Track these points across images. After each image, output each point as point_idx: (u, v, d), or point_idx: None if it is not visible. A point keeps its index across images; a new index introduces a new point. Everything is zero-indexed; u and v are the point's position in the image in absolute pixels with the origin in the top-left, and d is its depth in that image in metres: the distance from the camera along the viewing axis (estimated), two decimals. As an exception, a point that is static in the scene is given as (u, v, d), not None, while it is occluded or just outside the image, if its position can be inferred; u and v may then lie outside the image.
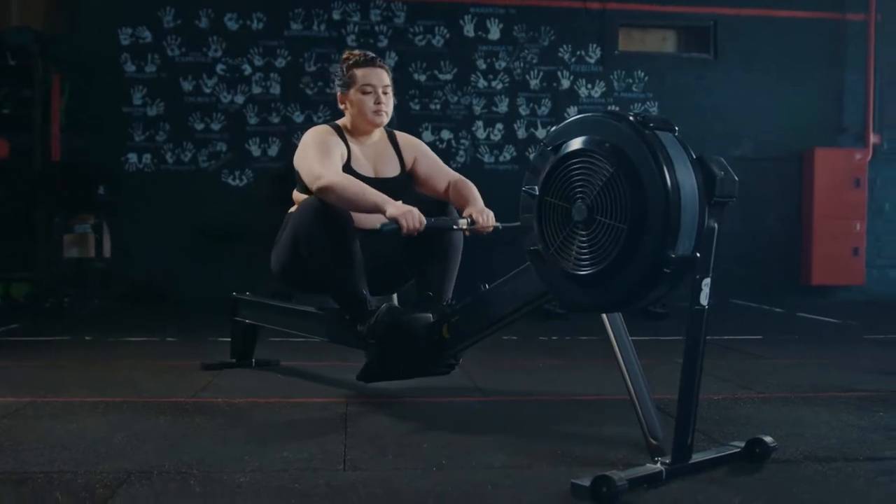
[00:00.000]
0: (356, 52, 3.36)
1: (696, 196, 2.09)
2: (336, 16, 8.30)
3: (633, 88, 8.76)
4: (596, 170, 2.15)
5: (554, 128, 2.31)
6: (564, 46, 8.65)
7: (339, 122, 3.37)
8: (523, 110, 8.59)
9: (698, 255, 2.09)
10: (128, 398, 3.19)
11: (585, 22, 8.67)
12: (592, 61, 8.72)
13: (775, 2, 8.89)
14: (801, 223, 9.00)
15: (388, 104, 3.29)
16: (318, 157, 3.09)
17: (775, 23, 8.91)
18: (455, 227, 3.05)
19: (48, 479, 2.14)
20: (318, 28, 8.28)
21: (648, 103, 8.77)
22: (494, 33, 8.54)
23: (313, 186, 3.04)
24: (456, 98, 8.49)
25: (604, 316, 2.35)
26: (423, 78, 8.44)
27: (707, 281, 2.15)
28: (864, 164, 8.85)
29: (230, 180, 8.09)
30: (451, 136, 8.48)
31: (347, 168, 3.20)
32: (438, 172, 3.40)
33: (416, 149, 3.44)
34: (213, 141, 8.14)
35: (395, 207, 2.90)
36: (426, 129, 8.42)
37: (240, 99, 8.18)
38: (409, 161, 3.40)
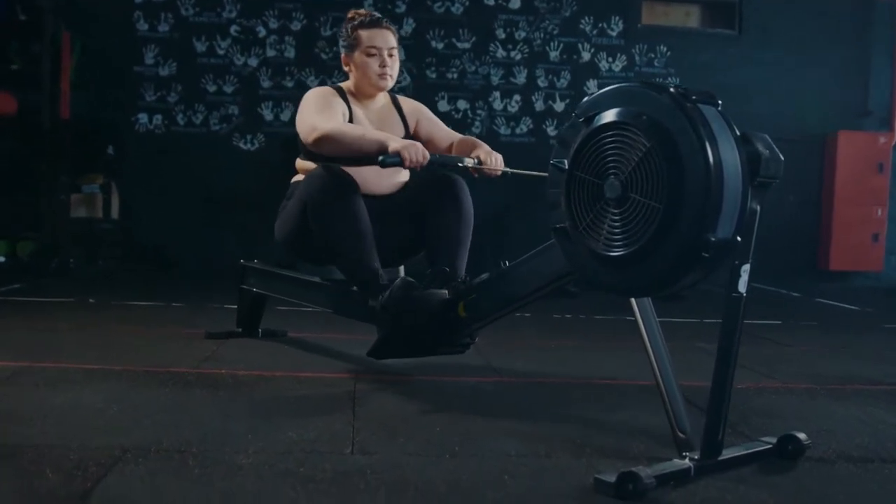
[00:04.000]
0: (362, 11, 3.25)
1: (738, 175, 1.94)
2: (354, -21, 8.11)
3: (655, 63, 8.57)
4: (631, 144, 2.00)
5: (586, 98, 2.16)
6: (586, 18, 8.46)
7: (343, 84, 3.27)
8: (542, 82, 8.42)
9: (739, 238, 1.95)
10: (128, 366, 3.07)
11: (609, -7, 8.47)
12: (614, 34, 8.53)
13: (803, -22, 8.67)
14: (821, 207, 8.84)
15: (394, 67, 3.18)
16: (317, 112, 3.01)
17: (801, 0, 8.69)
18: (461, 164, 2.94)
19: (38, 454, 2.02)
20: (335, -9, 8.09)
21: (670, 79, 8.56)
22: (515, 2, 8.37)
23: (310, 138, 2.96)
24: (473, 68, 8.32)
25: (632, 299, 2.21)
26: (440, 46, 8.27)
27: (746, 267, 2.01)
28: (889, 148, 8.66)
29: (242, 144, 7.96)
30: (468, 106, 8.31)
31: None
32: (441, 133, 3.32)
33: (420, 112, 3.36)
34: (225, 104, 8.00)
35: (398, 142, 2.80)
36: (442, 98, 8.25)
37: (253, 62, 8.02)
38: (412, 123, 3.31)
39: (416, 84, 8.17)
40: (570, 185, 2.13)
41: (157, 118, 7.93)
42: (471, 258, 3.15)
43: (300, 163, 3.25)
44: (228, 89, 8.00)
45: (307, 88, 7.99)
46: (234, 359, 3.32)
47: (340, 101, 3.13)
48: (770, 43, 8.66)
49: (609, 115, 2.07)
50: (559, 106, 8.42)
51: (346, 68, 3.22)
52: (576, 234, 2.14)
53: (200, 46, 7.96)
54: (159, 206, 7.72)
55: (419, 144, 2.81)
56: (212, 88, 7.98)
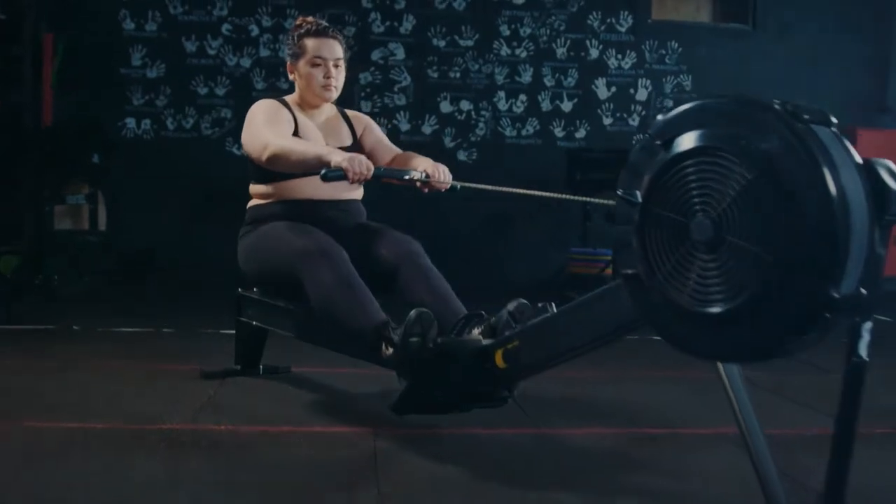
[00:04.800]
0: (310, 19, 3.16)
1: (864, 214, 1.56)
2: (351, -26, 7.71)
3: (666, 60, 8.19)
4: (726, 174, 1.62)
5: (662, 115, 1.77)
6: (594, 13, 8.06)
7: (288, 97, 3.19)
8: (548, 81, 8.02)
9: (864, 292, 1.57)
10: (112, 423, 2.67)
11: (617, -13, 8.07)
12: (623, 30, 8.13)
13: (819, -30, 8.30)
14: (839, 208, 8.45)
15: (339, 78, 3.12)
16: (266, 125, 2.95)
17: (818, -7, 8.32)
18: (407, 177, 2.83)
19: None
20: (332, -13, 7.69)
21: (682, 76, 8.19)
22: (520, -3, 7.96)
23: (263, 157, 2.87)
24: (477, 66, 7.92)
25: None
26: (442, 44, 7.87)
27: (869, 325, 1.63)
28: (911, 147, 8.30)
29: (235, 149, 7.56)
30: (471, 106, 7.91)
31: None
32: (384, 146, 3.23)
33: (365, 123, 3.31)
34: (217, 107, 7.58)
35: (340, 154, 2.70)
36: (444, 98, 7.86)
37: (246, 62, 7.61)
38: (359, 132, 3.26)
39: (417, 84, 7.78)
40: (644, 223, 1.74)
41: (146, 123, 7.52)
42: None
43: (253, 187, 3.18)
44: (220, 91, 7.60)
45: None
46: (234, 407, 2.93)
47: (286, 112, 3.07)
48: (785, 37, 8.29)
49: (695, 138, 1.69)
50: (567, 106, 8.04)
51: (290, 76, 3.17)
52: (653, 283, 1.76)
53: (190, 46, 7.56)
54: (149, 217, 7.31)
55: (362, 156, 2.74)
56: (203, 91, 7.58)
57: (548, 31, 8.00)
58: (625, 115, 8.11)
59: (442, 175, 2.84)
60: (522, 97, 7.98)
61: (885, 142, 8.28)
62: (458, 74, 7.89)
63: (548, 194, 2.79)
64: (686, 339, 1.74)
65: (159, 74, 7.50)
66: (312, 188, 2.96)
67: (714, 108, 1.71)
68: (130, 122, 7.48)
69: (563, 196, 2.92)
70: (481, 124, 7.91)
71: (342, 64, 3.10)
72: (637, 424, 2.90)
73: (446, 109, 7.81)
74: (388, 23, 7.75)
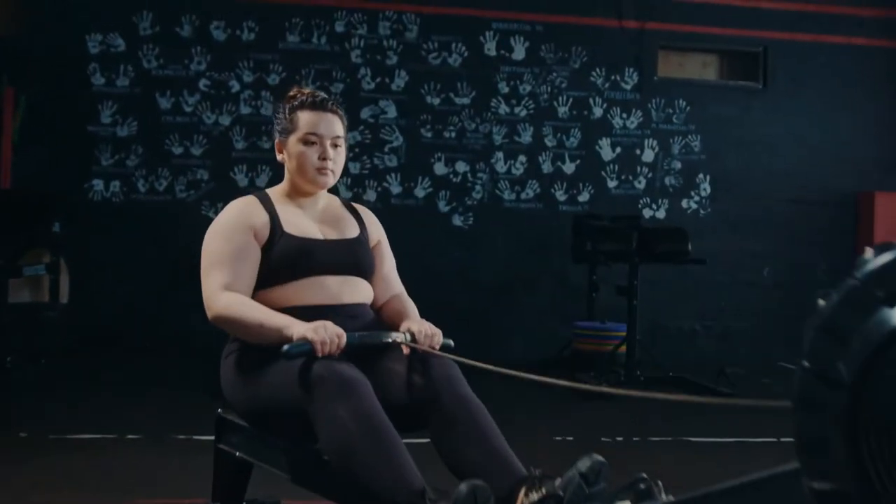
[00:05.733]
0: (305, 90, 2.55)
1: None
2: (339, 27, 7.23)
3: (674, 119, 7.73)
4: None
5: (878, 254, 1.18)
6: (597, 70, 7.60)
7: (274, 188, 2.58)
8: (549, 141, 7.53)
9: None
10: None
11: (621, 43, 7.62)
12: (628, 87, 7.67)
13: (831, 27, 7.90)
14: (856, 276, 7.96)
15: (337, 161, 2.51)
16: (216, 267, 2.36)
17: (830, 50, 7.92)
18: (389, 339, 2.31)
19: None
20: (318, 41, 7.20)
21: (690, 136, 7.73)
22: (519, 52, 7.49)
23: (209, 316, 2.34)
24: (474, 125, 7.41)
25: None
26: (436, 101, 7.37)
27: None
28: (933, 211, 7.85)
29: (212, 214, 6.97)
30: (468, 168, 7.40)
31: (279, 235, 2.39)
32: (388, 276, 2.63)
33: (381, 232, 2.67)
34: (193, 167, 7.05)
35: (302, 325, 2.18)
36: (439, 160, 7.34)
37: (226, 120, 7.08)
38: (372, 238, 2.62)
39: (410, 144, 7.27)
40: (856, 416, 1.15)
41: (115, 185, 6.97)
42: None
43: None
44: (197, 151, 7.05)
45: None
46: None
47: (259, 217, 2.43)
48: (797, 95, 7.87)
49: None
50: (569, 168, 7.53)
51: (279, 156, 2.56)
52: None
53: (165, 103, 7.02)
54: (117, 288, 6.74)
55: (329, 323, 2.18)
56: (178, 150, 7.04)
57: (549, 89, 7.54)
58: (630, 178, 7.63)
59: (430, 336, 2.30)
60: (522, 158, 7.49)
61: (904, 206, 7.86)
62: (453, 134, 7.40)
63: (551, 381, 1.96)
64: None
65: (130, 132, 7.00)
66: (314, 292, 2.37)
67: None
68: (98, 183, 6.95)
69: (563, 383, 2.00)
70: (478, 187, 7.40)
71: (342, 143, 2.52)
72: None
73: (441, 171, 7.32)
74: (378, 79, 7.26)
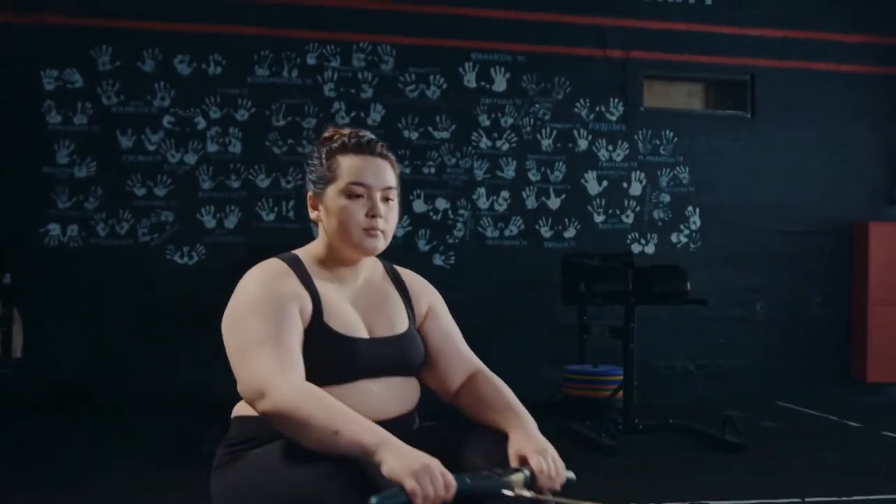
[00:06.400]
0: (345, 129, 2.02)
1: None
2: (311, 60, 6.88)
3: (661, 151, 7.44)
4: None
5: None
6: (582, 101, 7.31)
7: (302, 250, 2.03)
8: (533, 175, 7.20)
9: None
10: None
11: (606, 72, 7.33)
12: (614, 118, 7.38)
13: (819, 53, 7.67)
14: (851, 309, 7.71)
15: (390, 220, 1.97)
16: (261, 349, 1.76)
17: (819, 77, 7.70)
18: (507, 492, 1.65)
19: None
20: (289, 74, 6.85)
21: (678, 168, 7.44)
22: (500, 84, 7.18)
23: (257, 406, 1.74)
24: (454, 160, 7.08)
25: None
26: (414, 136, 7.04)
27: None
28: (927, 242, 7.62)
29: (178, 258, 6.59)
30: (448, 205, 7.05)
31: (317, 325, 1.86)
32: (455, 352, 2.07)
33: (430, 299, 2.13)
34: (156, 209, 6.66)
35: (397, 456, 1.58)
36: (418, 196, 6.99)
37: (191, 158, 6.70)
38: (419, 311, 2.09)
39: (388, 181, 6.89)
40: None
41: (73, 229, 6.56)
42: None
43: (240, 408, 1.94)
44: (161, 192, 6.66)
45: (255, 190, 6.78)
46: None
47: (294, 289, 1.89)
48: (787, 125, 7.63)
49: None
50: (554, 203, 7.21)
51: (313, 213, 2.02)
52: None
53: (126, 141, 6.64)
54: (77, 340, 6.34)
55: (435, 465, 1.57)
56: (140, 191, 6.64)
57: (531, 121, 7.23)
58: (618, 212, 7.32)
59: (552, 470, 1.74)
60: (505, 194, 7.17)
61: (899, 236, 7.63)
62: (432, 170, 7.06)
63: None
64: None
65: (89, 173, 6.62)
66: (355, 401, 1.82)
67: None
68: (54, 228, 6.56)
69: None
70: (459, 224, 7.06)
71: (394, 197, 1.99)
72: None
73: (420, 209, 6.98)
74: (353, 113, 6.93)
